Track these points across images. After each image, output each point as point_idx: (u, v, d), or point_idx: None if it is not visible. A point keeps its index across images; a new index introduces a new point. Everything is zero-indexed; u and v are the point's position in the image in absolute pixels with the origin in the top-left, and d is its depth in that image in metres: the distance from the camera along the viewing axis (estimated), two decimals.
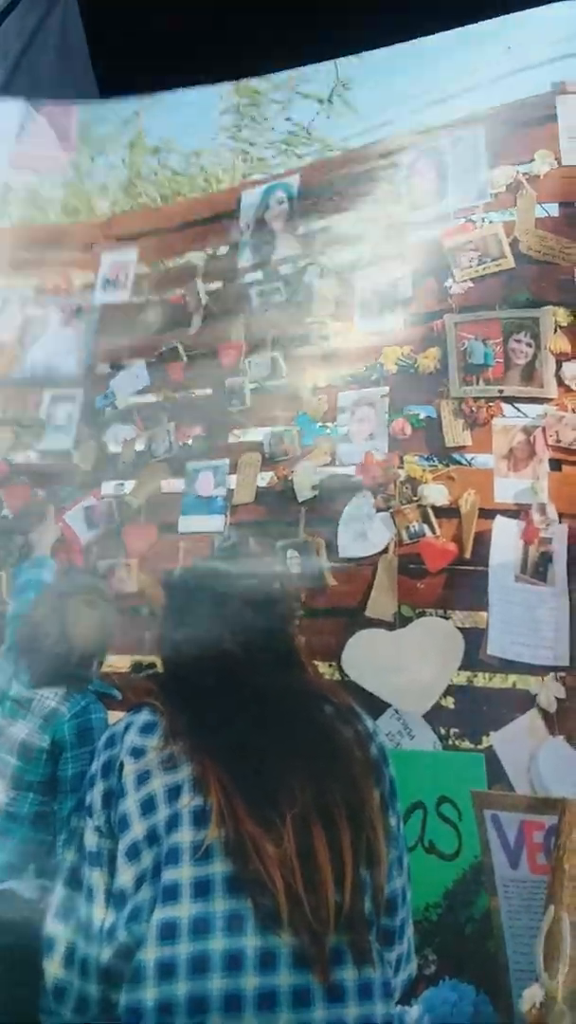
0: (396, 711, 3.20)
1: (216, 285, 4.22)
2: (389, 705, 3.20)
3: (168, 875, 1.54)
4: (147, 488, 3.98)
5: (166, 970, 1.50)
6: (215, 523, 3.77)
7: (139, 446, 4.07)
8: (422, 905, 2.82)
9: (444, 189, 3.65)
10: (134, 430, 4.11)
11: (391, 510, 3.38)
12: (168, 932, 1.52)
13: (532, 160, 3.52)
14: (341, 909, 1.54)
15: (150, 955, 1.51)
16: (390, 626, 3.29)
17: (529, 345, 3.36)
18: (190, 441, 3.96)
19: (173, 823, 1.57)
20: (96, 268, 4.49)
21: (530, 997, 2.27)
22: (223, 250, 4.32)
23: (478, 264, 3.49)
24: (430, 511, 3.34)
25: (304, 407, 3.70)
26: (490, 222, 3.57)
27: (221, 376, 3.95)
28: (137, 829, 1.59)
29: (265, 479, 3.74)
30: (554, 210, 3.54)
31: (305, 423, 3.67)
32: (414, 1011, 2.45)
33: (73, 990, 1.63)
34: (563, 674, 3.18)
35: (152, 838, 1.58)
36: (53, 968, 1.64)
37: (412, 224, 3.70)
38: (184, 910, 1.52)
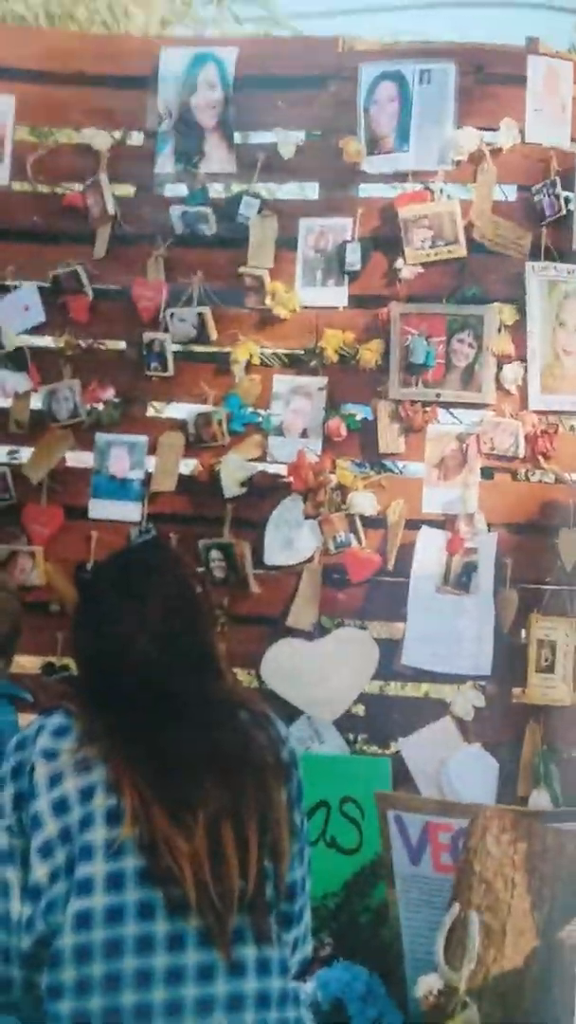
0: (308, 717, 3.29)
1: (127, 190, 3.59)
2: (303, 712, 3.29)
3: (82, 870, 1.65)
4: (48, 460, 3.51)
5: (82, 954, 1.63)
6: (131, 511, 3.44)
7: (35, 403, 3.55)
8: (321, 894, 2.94)
9: (404, 135, 3.37)
10: (27, 381, 3.51)
11: (319, 518, 3.34)
12: (83, 921, 1.64)
13: (498, 129, 3.32)
14: (245, 894, 1.67)
15: (67, 941, 1.64)
16: (309, 636, 3.35)
17: (471, 346, 3.28)
18: (100, 406, 3.48)
19: (86, 822, 1.67)
20: None
21: (426, 984, 2.42)
22: (136, 138, 3.72)
23: (430, 247, 3.32)
24: (358, 520, 3.34)
25: (236, 387, 3.42)
26: (448, 196, 3.38)
27: (137, 327, 3.48)
28: (50, 828, 1.68)
29: (189, 466, 3.46)
30: (512, 193, 3.41)
31: (236, 406, 3.41)
32: (308, 986, 2.62)
33: None
34: (483, 683, 3.26)
35: (65, 836, 1.67)
36: None
37: (366, 174, 3.44)
38: (98, 901, 1.64)
